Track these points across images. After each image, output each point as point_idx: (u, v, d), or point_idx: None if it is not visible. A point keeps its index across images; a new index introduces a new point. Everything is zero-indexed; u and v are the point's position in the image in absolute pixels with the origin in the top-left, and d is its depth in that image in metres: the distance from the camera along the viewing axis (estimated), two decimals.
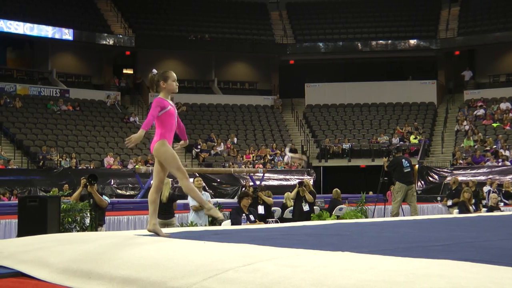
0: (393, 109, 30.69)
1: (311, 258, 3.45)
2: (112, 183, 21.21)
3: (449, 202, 14.60)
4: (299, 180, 12.42)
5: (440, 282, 2.72)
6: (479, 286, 2.63)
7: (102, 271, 3.72)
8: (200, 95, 31.53)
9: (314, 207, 12.56)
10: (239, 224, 9.16)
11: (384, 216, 13.52)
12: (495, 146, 24.83)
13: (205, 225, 10.00)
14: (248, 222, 9.44)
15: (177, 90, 5.07)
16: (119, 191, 21.13)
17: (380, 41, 32.16)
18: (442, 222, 7.44)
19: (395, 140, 26.92)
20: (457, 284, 2.67)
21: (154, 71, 5.05)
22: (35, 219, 7.97)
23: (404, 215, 12.61)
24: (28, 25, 28.27)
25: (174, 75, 5.04)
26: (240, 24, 33.67)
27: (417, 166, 23.39)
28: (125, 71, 33.49)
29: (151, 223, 4.92)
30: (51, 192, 10.79)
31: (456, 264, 3.16)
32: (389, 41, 32.03)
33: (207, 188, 20.73)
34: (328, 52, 32.45)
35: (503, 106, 28.34)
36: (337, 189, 14.45)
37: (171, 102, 4.98)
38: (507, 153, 24.19)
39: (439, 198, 18.42)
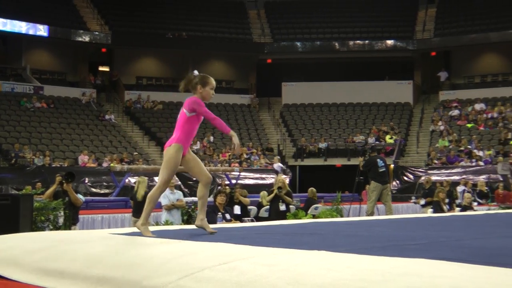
0: (369, 109, 30.87)
1: (288, 257, 3.44)
2: (86, 182, 21.00)
3: (422, 201, 14.76)
4: (279, 186, 12.36)
5: (416, 281, 2.73)
6: (454, 284, 2.64)
7: (76, 270, 3.67)
8: (176, 93, 31.36)
9: (290, 206, 12.57)
10: (215, 223, 9.13)
11: (359, 216, 13.58)
12: (469, 147, 25.11)
13: (180, 224, 9.95)
14: (224, 221, 9.42)
15: (210, 100, 4.92)
16: (94, 190, 20.93)
17: (358, 41, 32.33)
18: (417, 221, 7.49)
19: (371, 140, 27.09)
20: (432, 283, 2.67)
21: (196, 72, 4.89)
22: (7, 218, 7.86)
23: (379, 214, 12.68)
24: (1, 20, 27.86)
25: (214, 83, 4.88)
26: (218, 22, 33.59)
27: (392, 165, 23.56)
28: (101, 68, 33.20)
29: (199, 218, 4.86)
30: (24, 191, 10.66)
31: (431, 263, 3.17)
32: (366, 41, 32.22)
33: (182, 187, 20.65)
34: (305, 52, 32.54)
35: (478, 107, 28.69)
36: (312, 188, 14.47)
37: None
38: (480, 153, 24.48)
39: (413, 198, 18.57)
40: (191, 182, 22.66)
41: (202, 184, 4.86)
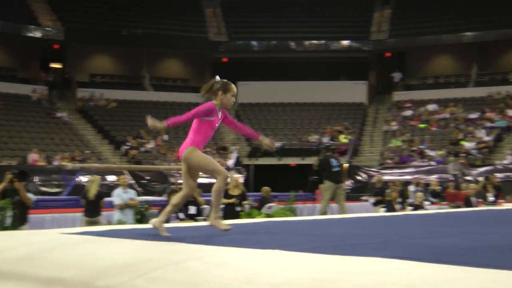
0: (324, 108, 31.13)
1: (242, 257, 3.43)
2: (35, 180, 20.51)
3: (372, 200, 14.98)
4: (238, 197, 12.27)
5: (370, 279, 2.75)
6: (406, 282, 2.66)
7: (24, 271, 3.58)
8: (131, 91, 31.03)
9: (245, 205, 12.55)
10: (168, 222, 9.03)
11: (313, 215, 13.66)
12: (421, 147, 25.56)
13: (132, 223, 9.83)
14: (177, 220, 9.34)
15: (230, 107, 4.95)
16: (43, 189, 20.44)
17: (313, 41, 32.55)
18: (370, 220, 7.57)
19: (325, 140, 27.31)
20: (386, 281, 2.69)
21: (218, 78, 4.95)
22: None
23: (332, 214, 12.78)
24: None
25: (235, 90, 4.93)
26: (174, 20, 33.31)
27: (346, 165, 23.80)
28: (53, 65, 32.53)
29: (159, 220, 4.75)
30: None
31: (384, 262, 3.20)
32: (322, 41, 32.46)
33: (133, 186, 20.42)
34: (261, 51, 32.59)
35: (430, 107, 29.24)
36: (266, 187, 14.49)
37: (219, 115, 4.87)
38: (432, 153, 24.95)
39: (365, 196, 18.79)
40: (144, 181, 22.45)
41: (186, 197, 4.91)
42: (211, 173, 4.77)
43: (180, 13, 33.73)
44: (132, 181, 20.08)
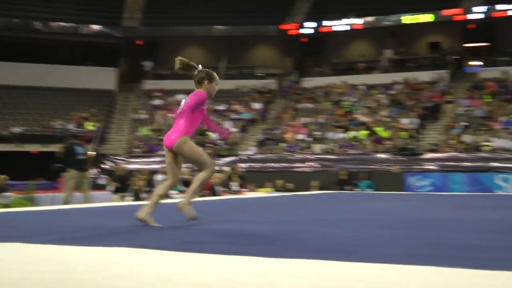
0: (70, 94, 29.99)
1: None
2: None
3: (111, 188, 14.98)
4: None
5: (119, 270, 2.66)
6: (157, 272, 2.60)
7: None
8: None
9: None
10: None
11: (55, 204, 13.09)
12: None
13: None
14: None
15: (214, 96, 5.10)
16: None
17: (61, 23, 31.16)
18: (115, 210, 7.53)
19: (70, 126, 26.36)
20: (137, 271, 2.64)
21: (200, 67, 5.06)
22: None
23: (76, 203, 12.34)
24: None
25: (218, 78, 5.10)
26: None
27: (92, 153, 23.24)
28: None
29: (146, 212, 4.84)
30: None
31: (133, 251, 3.13)
32: (71, 24, 31.24)
33: None
34: (1, 29, 30.21)
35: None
36: (2, 175, 13.57)
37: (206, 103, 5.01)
38: None
39: (108, 186, 18.52)
40: None
41: (171, 187, 5.10)
42: (199, 165, 4.91)
43: None
44: None
